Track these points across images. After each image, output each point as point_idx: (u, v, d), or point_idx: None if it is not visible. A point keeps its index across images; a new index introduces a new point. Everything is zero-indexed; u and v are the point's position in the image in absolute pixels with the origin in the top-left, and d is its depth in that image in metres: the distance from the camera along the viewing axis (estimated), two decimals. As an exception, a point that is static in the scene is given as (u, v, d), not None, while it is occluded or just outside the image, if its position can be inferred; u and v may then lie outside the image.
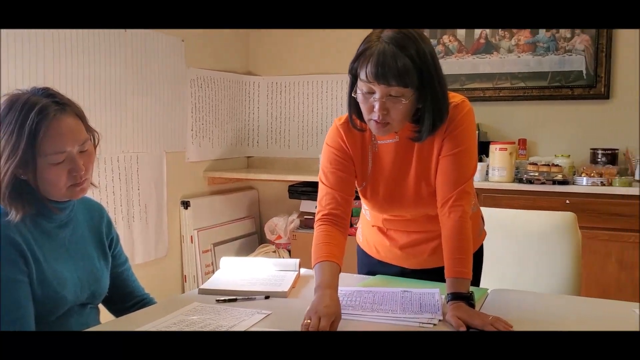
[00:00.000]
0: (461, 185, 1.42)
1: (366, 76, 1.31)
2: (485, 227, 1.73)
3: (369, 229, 1.70)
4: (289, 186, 3.67)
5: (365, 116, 1.38)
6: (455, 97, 1.46)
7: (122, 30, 2.97)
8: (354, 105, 1.42)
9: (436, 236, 1.55)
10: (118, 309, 1.56)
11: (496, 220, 1.90)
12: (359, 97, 1.37)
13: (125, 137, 3.04)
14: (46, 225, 1.35)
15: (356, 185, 1.55)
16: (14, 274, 1.25)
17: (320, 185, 1.52)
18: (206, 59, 3.64)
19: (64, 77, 2.67)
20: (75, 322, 1.36)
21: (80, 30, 2.73)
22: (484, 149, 3.19)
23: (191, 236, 3.45)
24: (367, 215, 1.68)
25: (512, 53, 3.45)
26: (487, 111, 3.47)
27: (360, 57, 1.33)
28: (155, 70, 3.22)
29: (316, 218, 1.49)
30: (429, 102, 1.36)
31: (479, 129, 3.28)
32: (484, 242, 1.71)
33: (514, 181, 3.06)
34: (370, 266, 1.73)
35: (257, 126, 4.03)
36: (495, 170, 3.09)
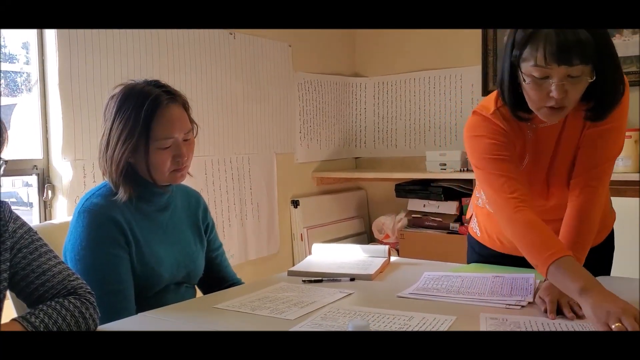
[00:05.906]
0: (602, 165, 1.33)
1: (544, 59, 1.18)
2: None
3: (490, 221, 1.59)
4: (396, 185, 3.64)
5: (535, 104, 1.25)
6: None
7: (230, 36, 3.15)
8: (514, 96, 1.29)
9: (556, 219, 1.39)
10: (211, 292, 1.63)
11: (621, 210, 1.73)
12: (529, 85, 1.22)
13: (238, 139, 3.21)
14: (147, 209, 1.46)
15: None
16: (116, 250, 1.37)
17: (487, 177, 1.36)
18: (313, 63, 3.73)
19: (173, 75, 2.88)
20: (171, 299, 1.45)
21: (189, 35, 2.93)
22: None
23: (301, 234, 3.55)
24: (488, 206, 1.56)
25: (637, 34, 3.16)
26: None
27: (528, 42, 1.20)
28: (264, 76, 3.36)
29: (509, 206, 1.31)
30: (611, 72, 1.22)
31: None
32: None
33: (640, 171, 2.79)
34: (491, 259, 1.63)
35: (364, 127, 4.05)
36: (619, 160, 2.83)
